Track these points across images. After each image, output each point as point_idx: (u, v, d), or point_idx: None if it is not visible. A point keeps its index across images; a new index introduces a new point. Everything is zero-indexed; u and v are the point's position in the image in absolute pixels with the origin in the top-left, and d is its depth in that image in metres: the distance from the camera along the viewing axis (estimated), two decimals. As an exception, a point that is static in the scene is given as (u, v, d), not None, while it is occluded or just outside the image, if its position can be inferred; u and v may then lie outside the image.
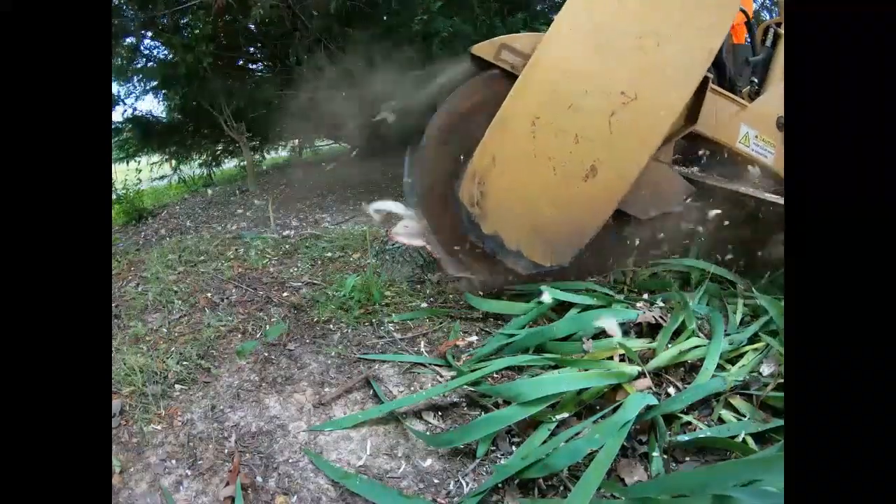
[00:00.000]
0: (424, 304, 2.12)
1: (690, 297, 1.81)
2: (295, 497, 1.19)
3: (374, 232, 3.14)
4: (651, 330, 1.70)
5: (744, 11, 2.12)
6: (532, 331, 1.73)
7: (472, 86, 1.91)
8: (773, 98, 2.05)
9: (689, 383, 1.45)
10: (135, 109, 5.52)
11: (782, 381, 1.32)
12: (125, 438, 1.38)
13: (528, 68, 1.72)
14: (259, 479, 1.24)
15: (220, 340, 1.88)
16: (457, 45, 3.63)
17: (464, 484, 1.21)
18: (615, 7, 1.67)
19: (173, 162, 6.32)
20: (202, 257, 2.84)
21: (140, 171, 5.86)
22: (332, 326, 1.97)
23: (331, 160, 6.83)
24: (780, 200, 1.82)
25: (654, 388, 1.43)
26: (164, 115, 5.87)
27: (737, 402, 1.34)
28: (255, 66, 5.88)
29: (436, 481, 1.23)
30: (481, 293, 2.05)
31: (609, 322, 1.62)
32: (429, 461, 1.29)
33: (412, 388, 1.58)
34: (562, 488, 1.17)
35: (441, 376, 1.64)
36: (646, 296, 1.94)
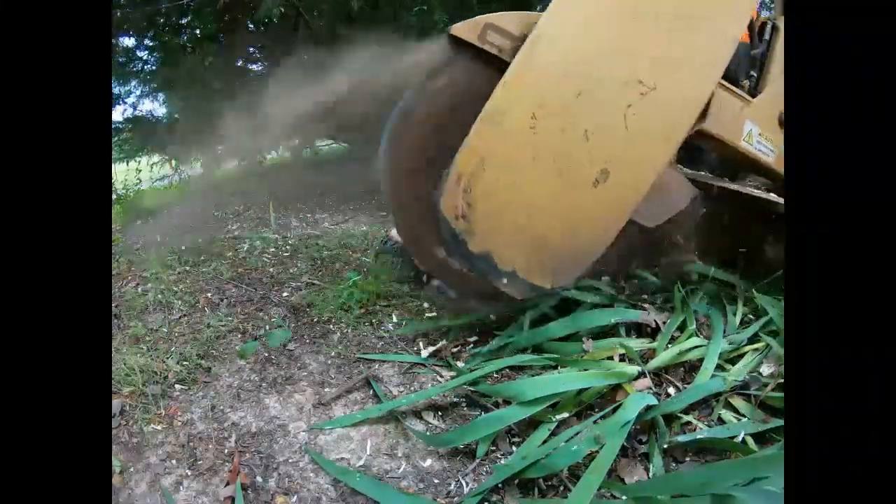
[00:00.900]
0: (426, 304, 2.12)
1: (690, 298, 1.81)
2: (295, 497, 1.19)
3: (374, 232, 3.14)
4: (651, 330, 1.70)
5: None
6: (532, 331, 1.72)
7: (449, 73, 1.61)
8: (776, 94, 1.90)
9: (688, 383, 1.45)
10: (135, 109, 5.53)
11: (782, 381, 1.32)
12: (125, 438, 1.37)
13: (529, 45, 1.43)
14: (259, 479, 1.24)
15: (220, 340, 1.88)
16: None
17: (464, 484, 1.21)
18: None
19: (173, 162, 6.31)
20: (202, 257, 2.84)
21: (140, 171, 5.86)
22: (332, 326, 1.97)
23: (331, 160, 6.82)
24: (781, 200, 1.81)
25: (654, 388, 1.43)
26: (163, 115, 5.88)
27: (737, 402, 1.34)
28: (254, 66, 5.88)
29: (436, 481, 1.23)
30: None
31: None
32: (429, 461, 1.29)
33: (412, 388, 1.59)
34: (562, 488, 1.17)
35: (441, 376, 1.64)
36: (645, 296, 1.94)
